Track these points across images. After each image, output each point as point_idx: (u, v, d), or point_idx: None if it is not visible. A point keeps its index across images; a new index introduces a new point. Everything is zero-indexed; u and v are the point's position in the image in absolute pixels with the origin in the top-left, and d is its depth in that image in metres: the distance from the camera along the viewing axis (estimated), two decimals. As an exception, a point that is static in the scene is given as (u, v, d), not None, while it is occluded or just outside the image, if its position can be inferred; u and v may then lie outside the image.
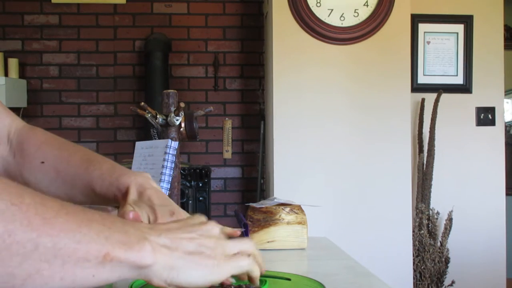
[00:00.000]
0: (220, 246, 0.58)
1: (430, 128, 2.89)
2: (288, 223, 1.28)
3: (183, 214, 0.76)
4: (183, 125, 1.33)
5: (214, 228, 0.61)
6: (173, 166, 1.14)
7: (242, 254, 0.60)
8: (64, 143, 0.88)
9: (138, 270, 0.50)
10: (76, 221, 0.46)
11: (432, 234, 2.78)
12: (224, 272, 0.56)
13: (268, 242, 1.26)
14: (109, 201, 0.81)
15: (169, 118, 1.30)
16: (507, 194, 3.05)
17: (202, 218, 0.63)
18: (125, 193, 0.77)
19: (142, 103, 1.35)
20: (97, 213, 0.50)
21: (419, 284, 2.74)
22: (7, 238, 0.41)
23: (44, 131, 0.90)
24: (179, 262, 0.52)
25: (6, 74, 3.22)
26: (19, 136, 0.88)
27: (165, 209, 0.76)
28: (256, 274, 0.62)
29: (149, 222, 0.74)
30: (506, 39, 3.37)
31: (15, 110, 3.30)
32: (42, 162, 0.85)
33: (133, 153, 1.28)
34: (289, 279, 0.86)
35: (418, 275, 2.74)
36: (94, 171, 0.81)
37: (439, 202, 2.88)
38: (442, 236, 2.81)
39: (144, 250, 0.50)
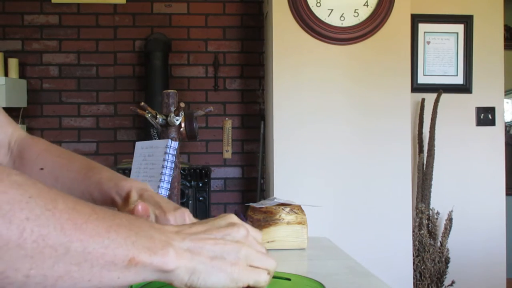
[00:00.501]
0: (244, 253, 0.57)
1: (430, 128, 2.89)
2: (288, 223, 1.28)
3: (185, 210, 0.77)
4: (183, 125, 1.33)
5: (241, 230, 0.59)
6: (173, 166, 1.14)
7: (263, 269, 0.59)
8: (64, 151, 0.90)
9: (161, 274, 0.52)
10: (105, 227, 0.48)
11: (432, 234, 2.78)
12: (243, 280, 0.57)
13: (268, 242, 1.26)
14: (107, 206, 0.81)
15: (169, 118, 1.30)
16: (507, 194, 3.05)
17: (230, 218, 0.62)
18: (126, 196, 0.79)
19: (142, 103, 1.35)
20: (125, 217, 0.52)
21: (419, 284, 2.74)
22: (41, 242, 0.44)
23: (45, 141, 0.92)
24: (200, 267, 0.54)
25: (6, 74, 3.22)
26: (20, 145, 0.89)
27: (169, 204, 0.78)
28: None
29: (156, 217, 0.75)
30: (506, 39, 3.37)
31: (15, 110, 3.30)
32: (41, 169, 0.86)
33: (133, 153, 1.28)
34: (289, 279, 0.86)
35: (418, 275, 2.74)
36: (93, 176, 0.83)
37: (439, 202, 2.88)
38: (442, 236, 2.81)
39: (167, 255, 0.51)
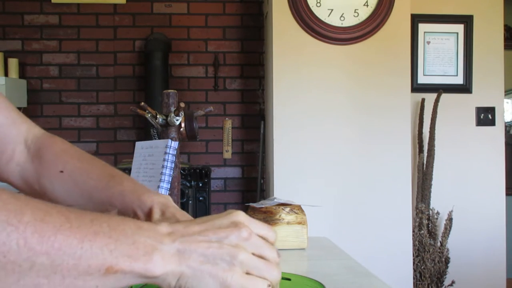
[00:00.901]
0: (241, 259, 0.53)
1: (430, 128, 2.89)
2: (288, 223, 1.28)
3: None
4: (183, 125, 1.33)
5: (243, 232, 0.54)
6: (173, 166, 1.14)
7: (264, 279, 0.54)
8: (84, 154, 0.87)
9: (146, 279, 0.50)
10: (78, 236, 0.46)
11: (432, 234, 2.78)
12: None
13: (268, 242, 1.26)
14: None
15: (169, 118, 1.30)
16: (507, 194, 3.05)
17: (235, 216, 0.56)
18: (149, 213, 0.77)
19: (142, 103, 1.35)
20: (107, 222, 0.49)
21: (419, 284, 2.74)
22: (2, 258, 0.42)
23: (63, 140, 0.89)
24: (188, 271, 0.51)
25: (6, 74, 3.22)
26: (38, 143, 0.87)
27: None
28: None
29: None
30: (506, 39, 3.37)
31: (15, 110, 3.30)
32: (61, 171, 0.84)
33: (133, 153, 1.28)
34: (289, 279, 0.86)
35: (418, 275, 2.74)
36: (115, 187, 0.80)
37: (439, 202, 2.89)
38: (442, 236, 2.81)
39: (151, 261, 0.49)
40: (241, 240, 0.54)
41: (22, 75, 3.39)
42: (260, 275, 0.54)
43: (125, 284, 0.49)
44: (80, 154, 0.87)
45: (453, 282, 2.79)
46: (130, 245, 0.49)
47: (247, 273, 0.53)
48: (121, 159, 3.42)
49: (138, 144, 1.27)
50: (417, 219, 2.75)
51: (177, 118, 1.29)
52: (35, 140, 0.87)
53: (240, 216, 0.56)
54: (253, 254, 0.55)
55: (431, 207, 2.84)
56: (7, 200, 0.44)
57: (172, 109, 1.32)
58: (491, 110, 3.02)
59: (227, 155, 3.51)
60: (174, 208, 0.78)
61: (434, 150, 2.87)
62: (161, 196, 0.80)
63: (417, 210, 2.77)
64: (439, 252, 2.77)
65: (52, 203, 0.49)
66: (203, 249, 0.52)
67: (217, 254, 0.52)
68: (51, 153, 0.86)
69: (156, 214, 0.76)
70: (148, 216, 0.77)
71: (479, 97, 3.02)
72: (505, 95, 3.31)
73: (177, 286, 0.51)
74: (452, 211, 2.85)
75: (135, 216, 0.79)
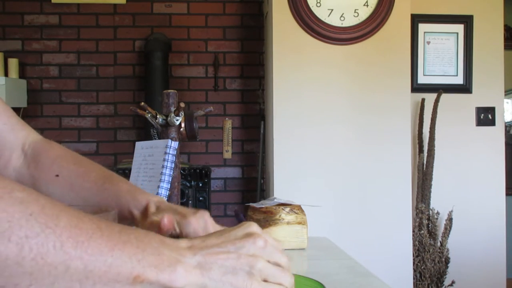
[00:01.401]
0: (259, 268, 0.55)
1: (430, 128, 2.89)
2: (288, 223, 1.28)
3: (204, 213, 0.77)
4: (183, 125, 1.33)
5: (258, 242, 0.57)
6: (173, 166, 1.14)
7: (278, 284, 0.57)
8: (80, 158, 0.89)
9: None
10: (109, 244, 0.48)
11: (432, 234, 2.78)
12: None
13: (268, 242, 1.26)
14: (122, 219, 0.81)
15: (169, 118, 1.30)
16: (507, 194, 3.05)
17: (249, 228, 0.59)
18: (145, 209, 0.79)
19: (142, 103, 1.35)
20: (134, 233, 0.51)
21: (419, 284, 2.74)
22: (40, 260, 0.44)
23: (60, 145, 0.91)
24: (210, 283, 0.53)
25: (6, 74, 3.22)
26: (35, 149, 0.88)
27: (188, 209, 0.78)
28: None
29: (177, 223, 0.75)
30: (506, 39, 3.37)
31: (15, 110, 3.29)
32: (57, 175, 0.85)
33: (133, 153, 1.28)
34: (289, 279, 0.86)
35: (418, 275, 2.74)
36: (110, 188, 0.82)
37: (439, 202, 2.89)
38: (442, 236, 2.81)
39: (175, 273, 0.51)
40: (257, 249, 0.57)
41: (22, 75, 3.39)
42: (277, 281, 0.57)
43: None
44: (76, 159, 0.89)
45: (453, 282, 2.79)
46: (156, 256, 0.51)
47: (265, 281, 0.56)
48: (121, 159, 3.42)
49: (138, 144, 1.27)
50: (417, 219, 2.75)
51: (177, 118, 1.29)
52: (32, 145, 0.89)
53: (253, 227, 0.59)
54: (269, 262, 0.57)
55: (431, 207, 2.84)
56: (45, 205, 0.46)
57: (172, 109, 1.32)
58: (491, 110, 3.02)
59: (227, 155, 3.51)
60: (168, 204, 0.80)
61: (434, 150, 2.87)
62: (156, 196, 0.82)
63: (417, 210, 2.77)
64: (439, 252, 2.77)
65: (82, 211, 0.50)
66: (223, 261, 0.54)
67: (236, 265, 0.54)
68: (47, 158, 0.87)
69: (152, 209, 0.79)
70: (144, 214, 0.79)
71: (479, 97, 3.02)
72: (505, 95, 3.31)
73: None
74: (452, 211, 2.85)
75: (130, 216, 0.80)
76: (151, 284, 0.50)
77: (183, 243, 0.55)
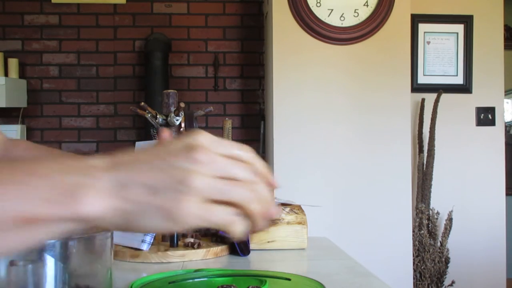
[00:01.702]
0: (198, 185, 0.44)
1: (430, 128, 2.89)
2: (288, 223, 1.28)
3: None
4: (183, 125, 1.33)
5: (198, 155, 0.45)
6: (173, 166, 1.13)
7: (235, 203, 0.46)
8: (47, 148, 0.90)
9: (83, 223, 0.44)
10: None
11: (432, 234, 2.78)
12: (189, 222, 0.44)
13: (268, 242, 1.26)
14: None
15: (169, 118, 1.30)
16: (507, 194, 3.05)
17: (192, 139, 0.46)
18: None
19: (142, 103, 1.35)
20: (26, 168, 0.44)
21: (419, 284, 2.74)
22: None
23: (28, 141, 0.93)
24: (131, 207, 0.43)
25: (6, 74, 3.21)
26: (5, 146, 0.90)
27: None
28: (241, 229, 0.47)
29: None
30: (506, 39, 3.37)
31: (15, 110, 3.30)
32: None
33: (133, 153, 1.28)
34: (289, 279, 0.86)
35: (418, 275, 2.74)
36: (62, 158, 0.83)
37: (439, 202, 2.89)
38: (442, 236, 2.81)
39: (80, 201, 0.42)
40: (195, 164, 0.44)
41: (22, 75, 3.39)
42: (228, 198, 0.45)
43: (57, 232, 0.44)
44: (42, 149, 0.90)
45: (453, 282, 2.79)
46: (51, 188, 0.42)
47: (212, 200, 0.45)
48: (121, 159, 3.42)
49: (138, 144, 1.27)
50: (417, 219, 2.75)
51: (177, 118, 1.29)
52: (0, 143, 0.90)
53: (199, 137, 0.46)
54: (222, 177, 0.45)
55: (431, 207, 2.84)
56: None
57: (172, 109, 1.32)
58: (491, 110, 3.02)
59: (227, 155, 3.51)
60: None
61: (434, 150, 2.87)
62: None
63: (417, 210, 2.77)
64: (439, 252, 2.77)
65: None
66: (146, 179, 0.44)
67: (166, 182, 0.43)
68: (15, 152, 0.88)
69: None
70: None
71: (479, 97, 3.02)
72: (505, 95, 3.31)
73: (123, 224, 0.44)
74: (452, 211, 2.85)
75: None
76: (52, 221, 0.42)
77: (95, 160, 0.45)
